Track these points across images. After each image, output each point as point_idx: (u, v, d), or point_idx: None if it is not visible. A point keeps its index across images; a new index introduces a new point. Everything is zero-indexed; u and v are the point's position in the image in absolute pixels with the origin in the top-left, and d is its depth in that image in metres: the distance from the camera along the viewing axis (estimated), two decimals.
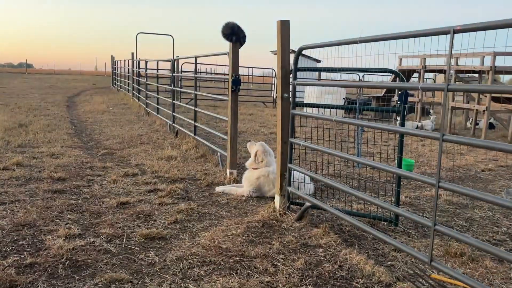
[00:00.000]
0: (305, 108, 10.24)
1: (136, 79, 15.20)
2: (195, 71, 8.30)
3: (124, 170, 5.75)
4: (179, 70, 15.92)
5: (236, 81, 5.40)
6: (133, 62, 16.22)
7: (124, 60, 20.78)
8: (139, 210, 4.23)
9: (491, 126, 13.55)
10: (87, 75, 63.90)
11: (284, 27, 4.03)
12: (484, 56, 11.19)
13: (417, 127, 12.26)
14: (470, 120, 12.91)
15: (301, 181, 4.57)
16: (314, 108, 10.15)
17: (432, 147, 9.01)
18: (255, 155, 5.12)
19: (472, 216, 4.55)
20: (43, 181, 5.14)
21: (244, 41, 5.40)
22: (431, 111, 17.07)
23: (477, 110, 11.52)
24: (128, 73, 18.24)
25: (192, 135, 7.56)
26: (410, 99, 14.48)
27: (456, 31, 2.33)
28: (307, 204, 3.89)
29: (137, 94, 15.12)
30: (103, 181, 5.30)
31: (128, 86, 18.36)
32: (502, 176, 6.66)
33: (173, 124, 8.85)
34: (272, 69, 20.07)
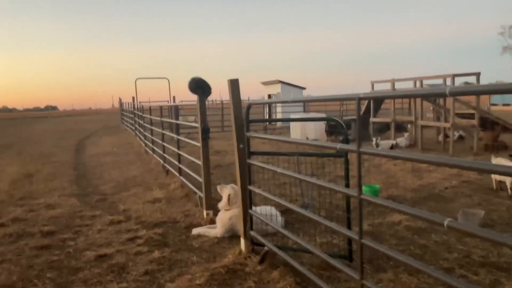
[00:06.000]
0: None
1: (138, 121, 15.21)
2: (177, 118, 8.26)
3: (111, 217, 5.63)
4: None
5: (205, 130, 5.33)
6: (133, 105, 16.27)
7: (128, 103, 20.89)
8: (114, 263, 4.09)
9: (461, 138, 13.40)
10: (104, 113, 64.42)
11: (234, 85, 3.96)
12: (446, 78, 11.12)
13: (392, 146, 12.12)
14: (441, 134, 12.75)
15: (269, 214, 4.45)
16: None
17: (402, 166, 8.84)
18: (228, 199, 5.00)
19: (428, 242, 4.38)
20: (33, 236, 5.03)
21: (210, 93, 5.35)
22: (408, 125, 16.86)
23: (444, 127, 11.39)
24: (131, 114, 18.31)
25: (178, 175, 7.46)
26: (384, 119, 14.37)
27: (360, 98, 2.24)
28: (266, 248, 3.76)
29: (138, 134, 15.11)
30: (89, 231, 5.18)
31: (132, 126, 18.39)
32: (463, 193, 6.47)
33: (164, 164, 8.78)
34: (263, 97, 20.07)
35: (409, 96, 4.52)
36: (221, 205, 5.08)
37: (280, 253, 3.55)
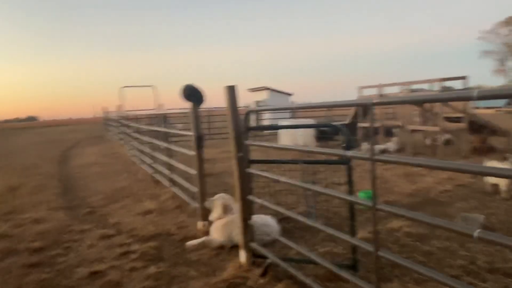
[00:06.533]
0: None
1: (124, 130, 14.94)
2: (164, 125, 8.10)
3: (101, 231, 5.43)
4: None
5: (199, 139, 5.19)
6: (118, 114, 16.00)
7: (113, 111, 20.54)
8: (109, 280, 3.92)
9: (448, 141, 13.49)
10: (86, 123, 63.37)
11: (231, 92, 3.84)
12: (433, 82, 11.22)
13: (382, 150, 12.13)
14: (430, 138, 12.81)
15: (266, 223, 4.34)
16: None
17: (394, 171, 8.81)
18: (224, 209, 4.85)
19: (431, 248, 4.31)
20: (21, 254, 4.80)
21: (203, 101, 5.23)
22: (395, 130, 16.92)
23: (433, 131, 11.47)
24: (116, 124, 17.99)
25: (169, 185, 7.27)
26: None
27: (373, 103, 2.16)
28: (268, 261, 3.63)
29: (124, 143, 14.83)
30: (79, 246, 4.97)
31: (117, 136, 18.07)
32: (459, 197, 6.45)
33: (153, 175, 8.57)
34: (250, 105, 19.95)
35: (431, 100, 4.39)
36: (215, 217, 4.93)
37: (284, 265, 3.43)
